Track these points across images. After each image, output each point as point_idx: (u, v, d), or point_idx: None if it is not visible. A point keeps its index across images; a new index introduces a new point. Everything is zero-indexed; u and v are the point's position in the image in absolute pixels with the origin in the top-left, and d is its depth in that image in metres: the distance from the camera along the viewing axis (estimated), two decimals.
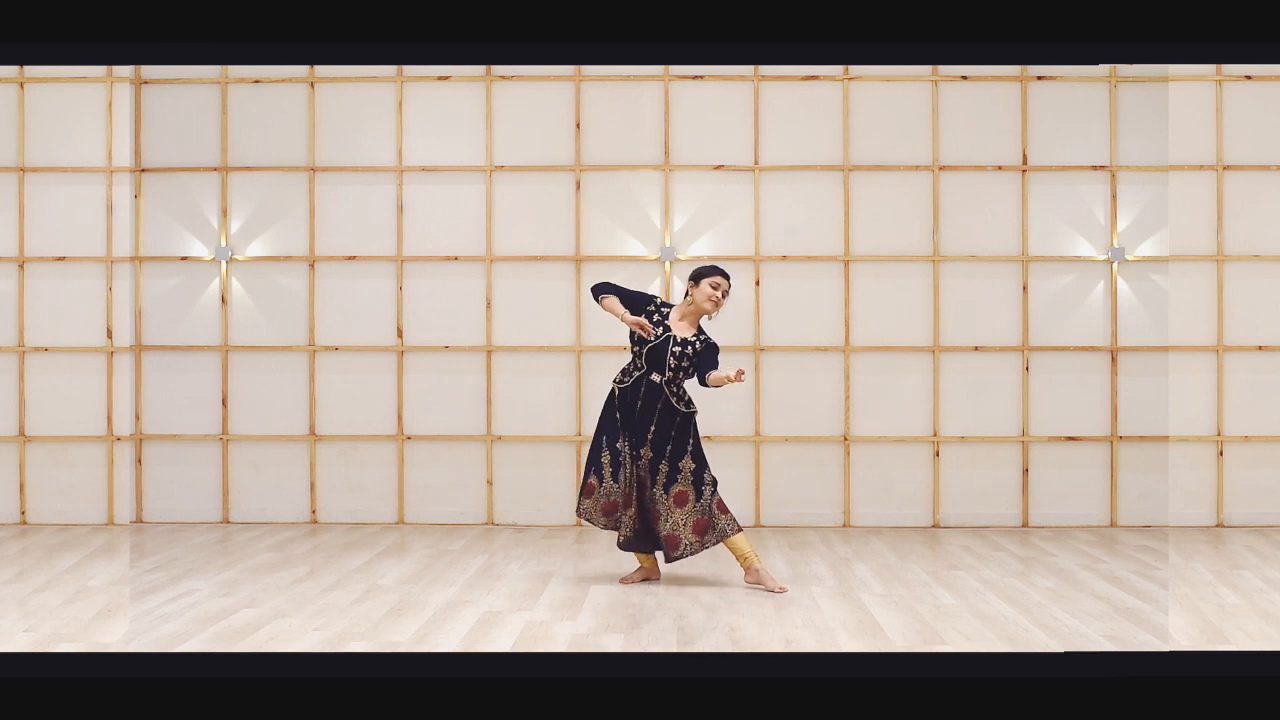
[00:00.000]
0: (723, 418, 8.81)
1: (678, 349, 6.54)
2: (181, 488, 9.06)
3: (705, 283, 6.56)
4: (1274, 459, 8.88)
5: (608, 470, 6.54)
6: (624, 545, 6.67)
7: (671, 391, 6.55)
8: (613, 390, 6.67)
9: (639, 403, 6.56)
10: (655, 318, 6.61)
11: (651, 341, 6.53)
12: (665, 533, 6.55)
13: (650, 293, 6.79)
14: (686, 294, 6.64)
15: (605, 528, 6.63)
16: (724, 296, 6.59)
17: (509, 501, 8.99)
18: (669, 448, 6.54)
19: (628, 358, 8.78)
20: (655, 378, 6.55)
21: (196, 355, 9.08)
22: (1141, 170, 8.93)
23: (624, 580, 6.77)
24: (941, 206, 8.96)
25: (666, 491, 6.53)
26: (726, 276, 6.62)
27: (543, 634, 5.65)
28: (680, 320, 6.63)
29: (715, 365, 6.54)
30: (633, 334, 6.61)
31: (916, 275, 8.97)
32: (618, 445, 6.53)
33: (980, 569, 7.24)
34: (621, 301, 6.60)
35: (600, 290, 6.67)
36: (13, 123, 9.05)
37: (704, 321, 6.69)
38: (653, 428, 6.53)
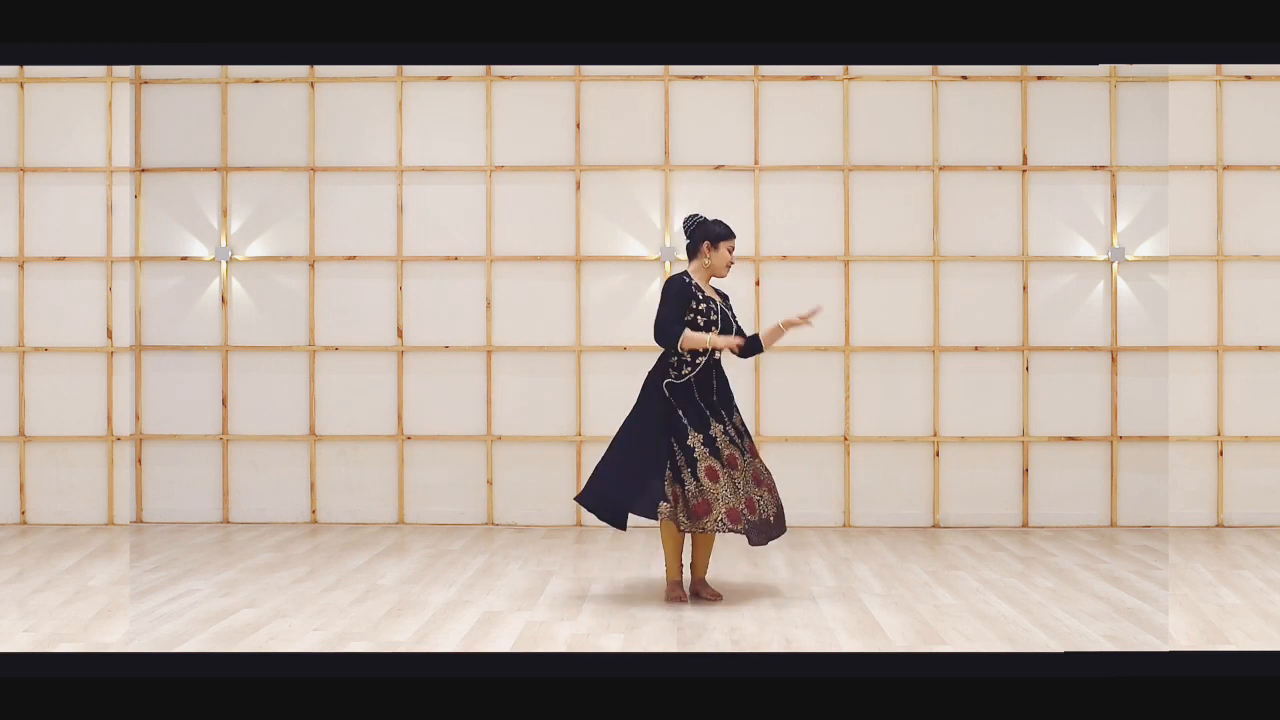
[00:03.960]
0: None
1: (730, 312, 6.41)
2: (181, 488, 9.06)
3: (724, 248, 6.35)
4: (1274, 459, 8.88)
5: (686, 471, 6.10)
6: (758, 539, 6.17)
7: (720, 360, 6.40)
8: (670, 387, 6.22)
9: (715, 383, 6.30)
10: (701, 302, 6.29)
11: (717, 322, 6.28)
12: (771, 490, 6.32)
13: (685, 285, 6.30)
14: (698, 253, 6.36)
15: (696, 530, 6.13)
16: (731, 254, 6.42)
17: (509, 501, 8.99)
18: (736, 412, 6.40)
19: (629, 356, 8.82)
20: (717, 354, 6.34)
21: (196, 355, 9.08)
22: (1141, 170, 8.93)
23: (675, 598, 6.31)
24: (941, 206, 8.96)
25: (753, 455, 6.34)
26: (730, 233, 6.42)
27: (543, 634, 5.65)
28: (705, 283, 6.41)
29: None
30: (697, 321, 6.25)
31: (916, 275, 8.97)
32: (688, 443, 6.13)
33: (980, 569, 7.24)
34: (690, 327, 6.23)
35: (672, 339, 6.19)
36: (13, 123, 9.05)
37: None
38: (727, 394, 6.36)
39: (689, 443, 6.14)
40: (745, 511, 6.13)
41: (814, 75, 9.01)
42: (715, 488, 6.09)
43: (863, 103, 9.00)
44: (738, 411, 6.38)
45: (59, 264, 9.04)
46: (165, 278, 9.10)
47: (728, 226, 6.43)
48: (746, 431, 6.38)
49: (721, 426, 6.22)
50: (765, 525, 6.21)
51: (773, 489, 6.32)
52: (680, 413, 6.20)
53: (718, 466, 6.13)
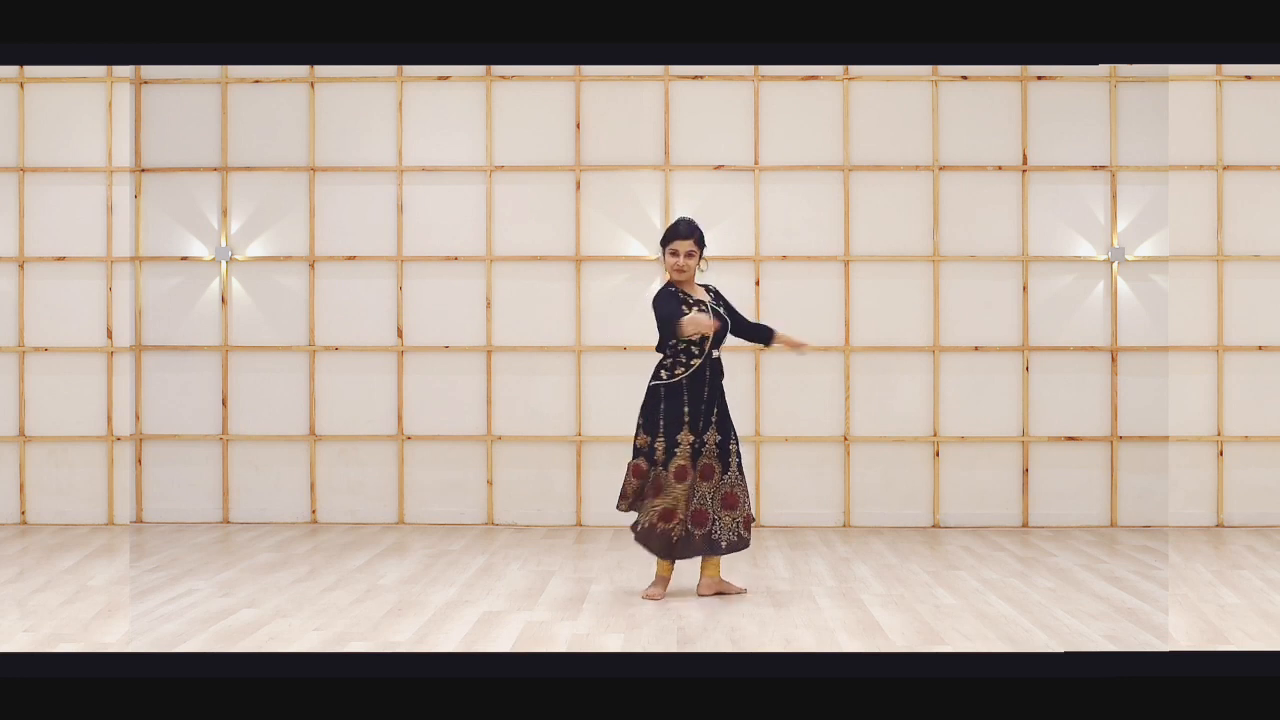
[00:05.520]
0: None
1: (719, 308, 6.33)
2: (181, 488, 9.06)
3: (668, 251, 6.29)
4: (1274, 459, 8.88)
5: (660, 457, 6.23)
6: (678, 553, 6.25)
7: (719, 361, 6.36)
8: (658, 388, 6.27)
9: (705, 389, 6.27)
10: (690, 305, 6.27)
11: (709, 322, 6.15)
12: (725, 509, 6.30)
13: (669, 291, 6.28)
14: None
15: (632, 508, 6.32)
16: (687, 258, 6.24)
17: (509, 501, 8.99)
18: (728, 420, 6.36)
19: (629, 356, 8.82)
20: (715, 353, 6.30)
21: (196, 355, 9.08)
22: (1141, 170, 8.93)
23: (650, 595, 6.35)
24: (941, 206, 8.96)
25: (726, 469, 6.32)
26: (676, 235, 6.26)
27: (543, 634, 5.65)
28: (687, 286, 6.35)
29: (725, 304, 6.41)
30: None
31: (916, 275, 8.97)
32: (678, 437, 6.23)
33: (980, 569, 7.24)
34: (684, 320, 6.11)
35: (675, 328, 6.10)
36: (13, 123, 9.05)
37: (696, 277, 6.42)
38: (716, 406, 6.31)
39: (678, 436, 6.25)
40: (686, 522, 6.24)
41: (814, 75, 9.01)
42: (680, 487, 6.23)
43: (863, 103, 9.00)
44: (714, 427, 6.31)
45: (59, 264, 9.04)
46: (165, 278, 9.10)
47: (673, 227, 6.34)
48: (728, 450, 6.33)
49: (693, 437, 6.27)
50: (697, 543, 6.25)
51: (734, 510, 6.30)
52: (664, 408, 6.26)
53: (689, 467, 6.25)
